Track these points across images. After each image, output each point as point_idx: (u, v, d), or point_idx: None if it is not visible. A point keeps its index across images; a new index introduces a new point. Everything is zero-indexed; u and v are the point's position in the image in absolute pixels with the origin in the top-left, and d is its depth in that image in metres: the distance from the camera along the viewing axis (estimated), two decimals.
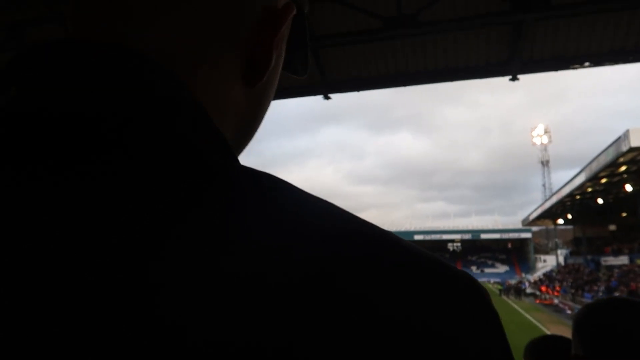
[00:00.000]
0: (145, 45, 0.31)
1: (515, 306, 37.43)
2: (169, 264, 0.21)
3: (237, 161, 0.31)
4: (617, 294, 30.00)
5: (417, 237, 78.90)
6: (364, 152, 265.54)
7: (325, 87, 6.82)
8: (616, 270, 36.97)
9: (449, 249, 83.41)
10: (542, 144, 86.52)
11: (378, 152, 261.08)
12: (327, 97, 6.87)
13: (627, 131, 24.10)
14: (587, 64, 6.40)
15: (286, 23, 0.37)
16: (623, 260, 38.99)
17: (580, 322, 1.11)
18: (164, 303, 0.20)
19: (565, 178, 42.80)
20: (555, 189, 53.78)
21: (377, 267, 0.23)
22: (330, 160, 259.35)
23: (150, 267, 0.21)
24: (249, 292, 0.21)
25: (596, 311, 1.12)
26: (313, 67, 6.61)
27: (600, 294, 32.74)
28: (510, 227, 77.82)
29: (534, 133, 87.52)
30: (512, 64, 6.41)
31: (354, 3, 5.71)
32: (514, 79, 6.52)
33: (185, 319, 0.20)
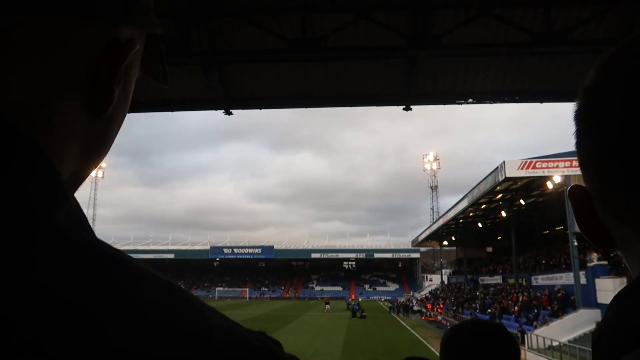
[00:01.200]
0: None
1: (403, 323, 39.26)
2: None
3: (88, 229, 0.33)
4: (490, 310, 32.79)
5: (314, 255, 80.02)
6: (265, 170, 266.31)
7: (228, 103, 6.74)
8: (491, 289, 40.36)
9: (344, 267, 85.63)
10: (432, 169, 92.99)
11: (279, 171, 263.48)
12: (228, 113, 6.79)
13: (503, 162, 26.76)
14: (470, 100, 7.04)
15: (130, 55, 0.38)
16: (497, 279, 42.71)
17: (445, 341, 1.21)
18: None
19: (451, 203, 46.10)
20: (442, 212, 57.86)
21: None
22: (232, 177, 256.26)
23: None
24: None
25: (457, 333, 1.23)
26: (216, 83, 6.51)
27: (477, 310, 35.57)
28: (402, 247, 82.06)
29: (426, 160, 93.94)
30: (406, 95, 6.85)
31: (261, 23, 5.75)
32: (408, 108, 6.96)
33: None
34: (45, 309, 0.24)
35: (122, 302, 0.26)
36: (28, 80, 0.34)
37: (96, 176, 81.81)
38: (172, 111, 7.04)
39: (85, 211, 0.34)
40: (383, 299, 70.89)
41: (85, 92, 0.37)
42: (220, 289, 77.37)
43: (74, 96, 0.36)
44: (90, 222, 0.34)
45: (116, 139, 0.42)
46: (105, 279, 0.27)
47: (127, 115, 0.43)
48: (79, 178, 0.41)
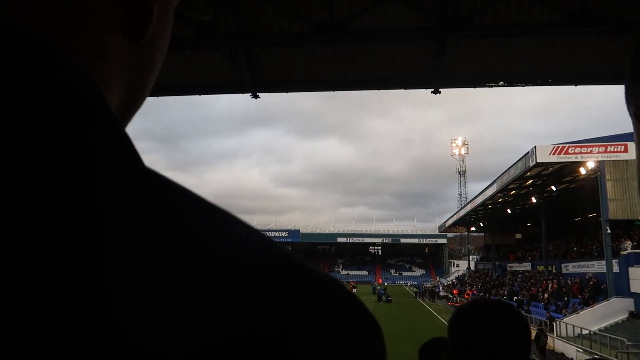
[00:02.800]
0: (17, 13, 0.28)
1: (429, 308, 39.21)
2: (114, 273, 0.21)
3: (142, 161, 0.29)
4: (518, 297, 32.38)
5: (340, 240, 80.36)
6: (291, 156, 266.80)
7: (254, 86, 6.76)
8: (520, 276, 39.84)
9: (370, 252, 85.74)
10: (460, 154, 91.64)
11: (305, 157, 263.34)
12: (255, 96, 6.81)
13: (534, 147, 26.14)
14: (501, 83, 6.87)
15: None
16: (526, 266, 42.11)
17: (450, 323, 1.21)
18: (121, 319, 0.20)
19: (477, 190, 45.45)
20: (469, 198, 57.13)
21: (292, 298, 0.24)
22: (258, 162, 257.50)
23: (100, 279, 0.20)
24: (196, 301, 0.21)
25: (463, 313, 1.22)
26: (243, 66, 6.53)
27: (505, 297, 35.18)
28: (428, 232, 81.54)
29: (454, 144, 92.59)
30: (435, 77, 6.73)
31: (287, 5, 5.72)
32: (436, 92, 6.84)
33: (142, 332, 0.20)
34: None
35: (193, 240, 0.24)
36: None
37: None
38: (200, 94, 7.10)
39: None
40: (409, 284, 70.80)
41: (121, 11, 0.33)
42: None
43: (110, 16, 0.32)
44: None
45: (146, 125, 0.37)
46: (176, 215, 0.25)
47: (156, 99, 0.40)
48: (126, 117, 0.38)
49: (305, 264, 0.27)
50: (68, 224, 0.21)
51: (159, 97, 6.83)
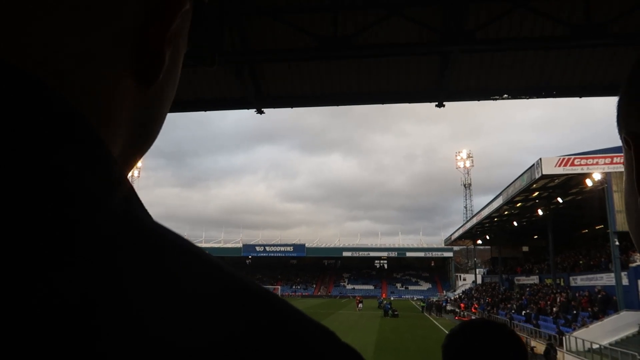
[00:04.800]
0: (16, 54, 0.28)
1: (436, 323, 38.81)
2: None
3: (139, 205, 0.29)
4: (527, 311, 32.00)
5: (345, 254, 79.97)
6: (296, 171, 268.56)
7: (259, 101, 6.80)
8: (527, 289, 39.41)
9: (375, 266, 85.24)
10: (465, 167, 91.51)
11: (310, 172, 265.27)
12: (260, 112, 6.84)
13: (540, 160, 26.06)
14: (505, 96, 6.87)
15: (178, 16, 0.35)
16: (534, 279, 41.69)
17: (444, 347, 1.19)
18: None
19: (482, 204, 45.27)
20: (475, 211, 56.85)
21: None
22: (264, 177, 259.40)
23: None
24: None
25: (456, 336, 1.20)
26: (248, 82, 6.58)
27: (513, 311, 34.78)
28: (434, 246, 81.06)
29: (459, 157, 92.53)
30: (439, 91, 6.74)
31: (292, 21, 5.77)
32: (440, 105, 6.85)
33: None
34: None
35: (175, 296, 0.23)
36: (75, 40, 0.30)
37: (132, 175, 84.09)
38: (205, 110, 7.15)
39: None
40: (415, 298, 70.21)
41: (134, 54, 0.33)
42: None
43: (122, 59, 0.32)
44: None
45: (154, 142, 0.39)
46: (165, 270, 0.24)
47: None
48: (129, 162, 0.37)
49: (270, 296, 0.26)
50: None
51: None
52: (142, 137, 0.37)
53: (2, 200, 0.22)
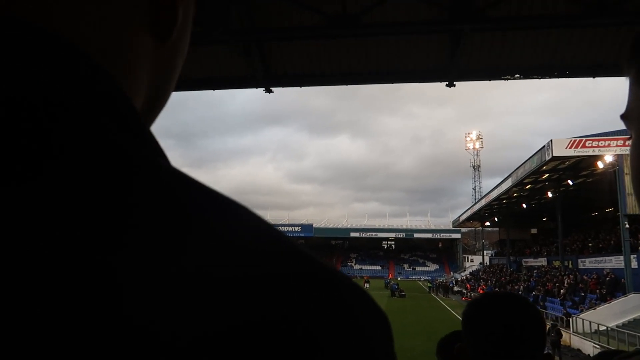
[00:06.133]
0: (44, 17, 0.29)
1: (443, 303, 39.06)
2: (131, 262, 0.21)
3: (166, 159, 0.30)
4: (534, 292, 32.08)
5: (353, 234, 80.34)
6: (304, 153, 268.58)
7: (268, 81, 6.76)
8: (535, 271, 39.45)
9: (383, 247, 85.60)
10: (474, 148, 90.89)
11: (317, 153, 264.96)
12: (269, 91, 6.81)
13: (551, 141, 25.78)
14: (517, 75, 6.78)
15: None
16: (541, 261, 41.66)
17: (465, 315, 1.21)
18: (132, 303, 0.20)
19: (490, 186, 45.02)
20: (483, 193, 56.62)
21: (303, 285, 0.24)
22: (272, 159, 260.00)
23: (115, 268, 0.21)
24: (210, 288, 0.21)
25: (478, 305, 1.22)
26: (256, 60, 6.54)
27: (521, 292, 34.89)
28: (442, 227, 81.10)
29: (468, 138, 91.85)
30: (449, 70, 6.66)
31: None
32: (451, 84, 6.78)
33: (153, 317, 0.20)
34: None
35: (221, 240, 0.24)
36: (95, 4, 0.31)
37: None
38: (213, 89, 7.13)
39: None
40: (422, 279, 70.56)
41: (150, 11, 0.34)
42: None
43: (139, 19, 0.33)
44: None
45: (163, 122, 0.38)
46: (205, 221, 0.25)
47: (171, 97, 0.42)
48: (149, 116, 0.39)
49: (317, 257, 0.27)
50: (97, 215, 0.22)
51: (173, 93, 6.87)
52: (158, 97, 0.38)
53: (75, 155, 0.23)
